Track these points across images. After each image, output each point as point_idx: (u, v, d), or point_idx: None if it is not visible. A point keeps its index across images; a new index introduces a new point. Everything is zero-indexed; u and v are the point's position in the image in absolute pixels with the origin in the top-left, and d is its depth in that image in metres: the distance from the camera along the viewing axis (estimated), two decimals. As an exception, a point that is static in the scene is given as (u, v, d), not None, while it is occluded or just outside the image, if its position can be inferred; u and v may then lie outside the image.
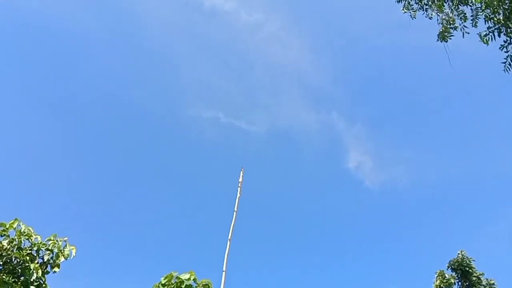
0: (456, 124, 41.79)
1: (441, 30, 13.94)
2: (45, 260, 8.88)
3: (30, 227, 8.94)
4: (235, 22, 43.44)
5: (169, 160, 43.68)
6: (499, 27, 11.44)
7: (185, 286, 8.37)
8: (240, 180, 7.77)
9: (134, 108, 41.94)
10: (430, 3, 14.82)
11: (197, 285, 8.44)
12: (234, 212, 6.85)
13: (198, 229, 42.37)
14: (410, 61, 41.52)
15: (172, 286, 8.26)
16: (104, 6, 39.94)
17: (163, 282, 8.38)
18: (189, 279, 8.42)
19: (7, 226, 8.77)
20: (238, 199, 7.21)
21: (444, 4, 12.82)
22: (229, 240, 6.41)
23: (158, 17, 41.42)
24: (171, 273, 8.41)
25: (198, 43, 43.45)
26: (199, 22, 42.26)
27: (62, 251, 8.90)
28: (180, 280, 8.38)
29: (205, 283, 8.46)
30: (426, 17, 15.61)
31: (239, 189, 7.53)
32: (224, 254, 6.16)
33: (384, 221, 41.67)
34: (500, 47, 11.47)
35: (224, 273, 5.96)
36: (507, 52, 11.35)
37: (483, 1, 10.19)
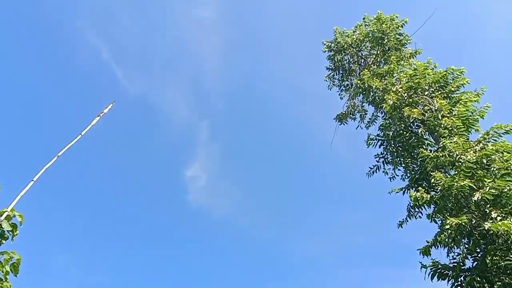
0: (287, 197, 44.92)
1: (343, 112, 15.20)
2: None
3: None
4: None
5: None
6: (383, 140, 12.87)
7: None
8: (105, 111, 6.91)
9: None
10: (348, 87, 16.13)
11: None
12: (80, 135, 5.98)
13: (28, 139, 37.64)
14: (299, 128, 44.09)
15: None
16: None
17: None
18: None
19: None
20: (91, 126, 6.35)
21: (360, 95, 14.02)
22: (58, 156, 5.52)
23: None
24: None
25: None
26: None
27: None
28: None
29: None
30: (338, 95, 16.95)
31: (98, 118, 6.67)
32: (44, 166, 5.26)
33: (183, 233, 42.03)
34: (375, 155, 12.90)
35: (32, 182, 5.05)
36: (377, 162, 12.82)
37: (388, 111, 11.35)
